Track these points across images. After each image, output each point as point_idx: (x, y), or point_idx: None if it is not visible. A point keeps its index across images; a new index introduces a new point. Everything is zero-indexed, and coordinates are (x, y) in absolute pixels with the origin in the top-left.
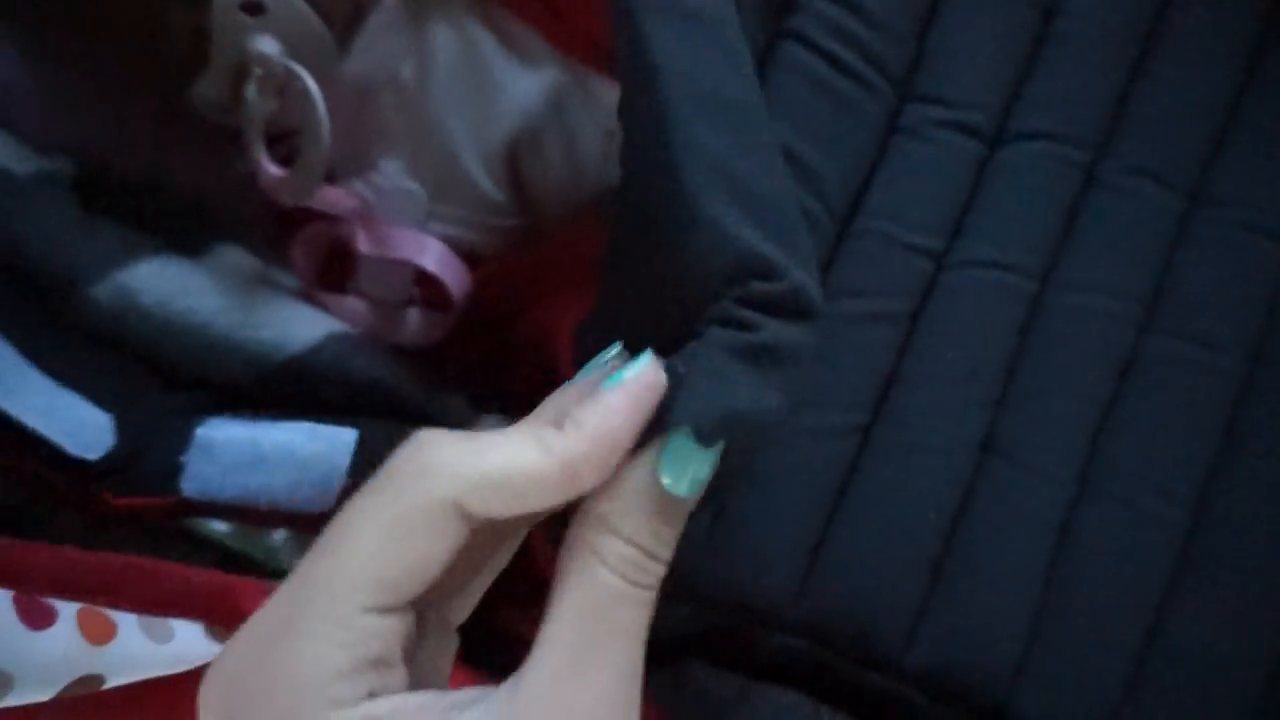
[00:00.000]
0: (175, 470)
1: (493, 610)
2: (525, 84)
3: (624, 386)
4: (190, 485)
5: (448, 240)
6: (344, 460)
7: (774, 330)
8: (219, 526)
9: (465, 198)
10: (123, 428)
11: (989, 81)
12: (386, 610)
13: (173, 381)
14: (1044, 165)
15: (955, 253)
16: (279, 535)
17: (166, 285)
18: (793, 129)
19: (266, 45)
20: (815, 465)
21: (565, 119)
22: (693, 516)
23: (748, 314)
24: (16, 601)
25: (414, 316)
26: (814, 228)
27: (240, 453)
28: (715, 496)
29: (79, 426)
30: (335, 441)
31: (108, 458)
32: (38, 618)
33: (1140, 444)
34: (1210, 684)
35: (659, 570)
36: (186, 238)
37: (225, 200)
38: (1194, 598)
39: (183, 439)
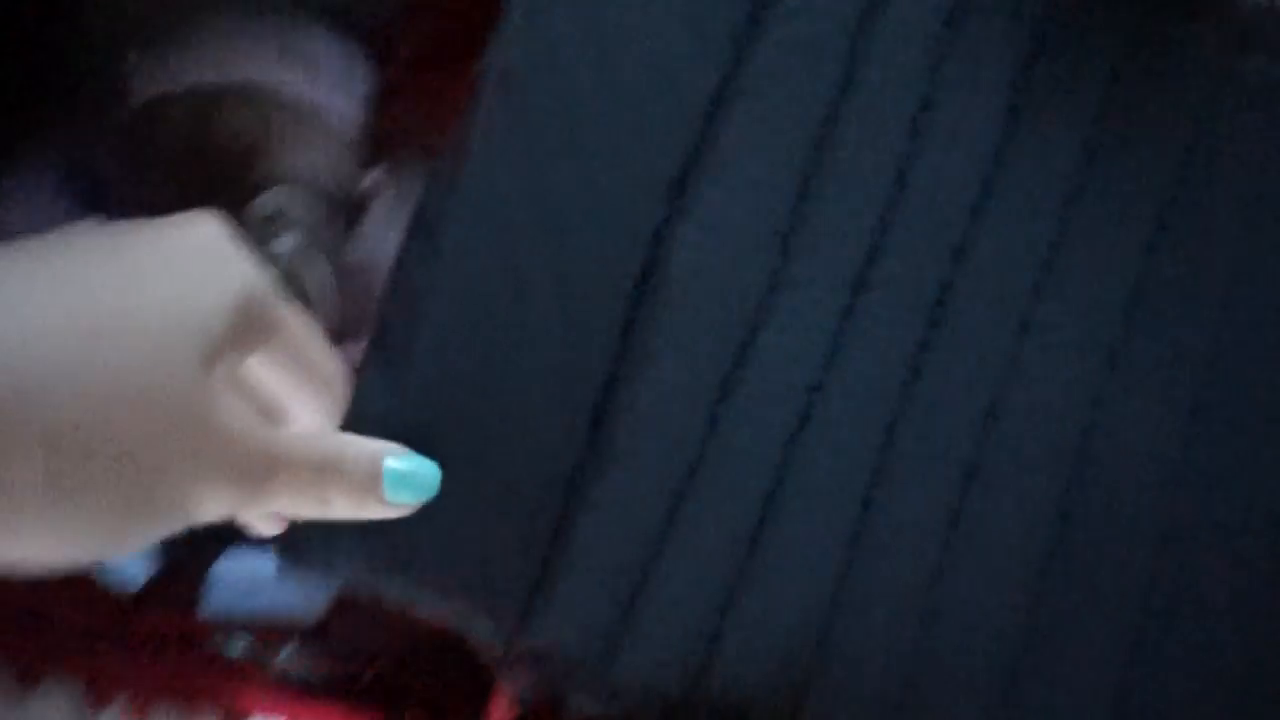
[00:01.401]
0: (196, 597)
1: None
2: None
3: None
4: (207, 609)
5: None
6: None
7: None
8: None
9: None
10: (157, 561)
11: (853, 240)
12: None
13: None
14: (898, 309)
15: (827, 385)
16: (285, 650)
17: None
18: (696, 289)
19: (283, 245)
20: (711, 567)
21: None
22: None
23: None
24: (85, 692)
25: None
26: (715, 371)
27: (244, 582)
28: None
29: (124, 561)
30: None
31: (146, 586)
32: (100, 701)
33: (985, 541)
34: None
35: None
36: None
37: None
38: (1044, 670)
39: (203, 570)
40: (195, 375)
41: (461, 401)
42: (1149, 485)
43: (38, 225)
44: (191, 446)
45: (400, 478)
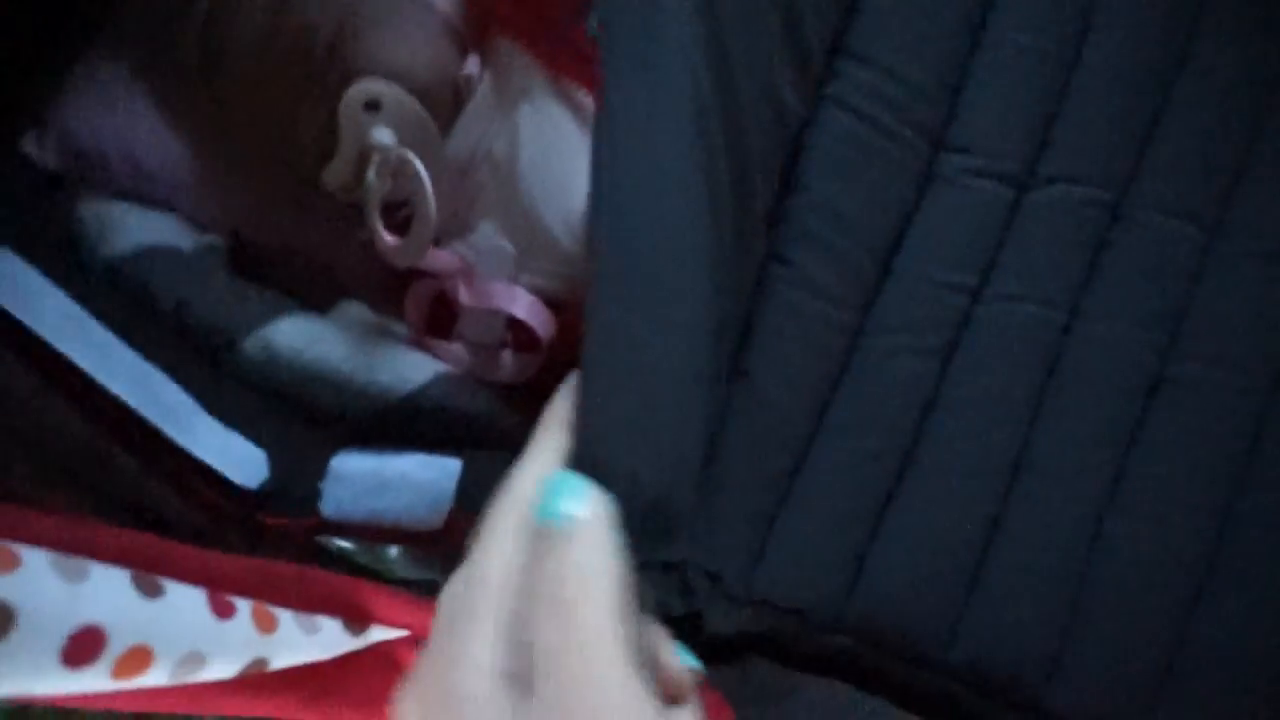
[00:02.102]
0: (315, 495)
1: None
2: None
3: None
4: (327, 507)
5: (535, 290)
6: (451, 486)
7: None
8: (344, 544)
9: (550, 253)
10: (274, 461)
11: (1016, 131)
12: None
13: (309, 419)
14: (1070, 206)
15: (988, 288)
16: (394, 550)
17: (301, 337)
18: (834, 184)
19: (383, 136)
20: (860, 483)
21: None
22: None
23: None
24: (209, 597)
25: (508, 358)
26: (855, 271)
27: (366, 480)
28: None
29: (242, 461)
30: (444, 470)
31: (264, 486)
32: (223, 610)
33: (1166, 461)
34: (1237, 684)
35: None
36: (316, 296)
37: (348, 263)
38: (1221, 603)
39: (321, 469)
40: None
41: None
42: None
43: (108, 117)
44: None
45: None
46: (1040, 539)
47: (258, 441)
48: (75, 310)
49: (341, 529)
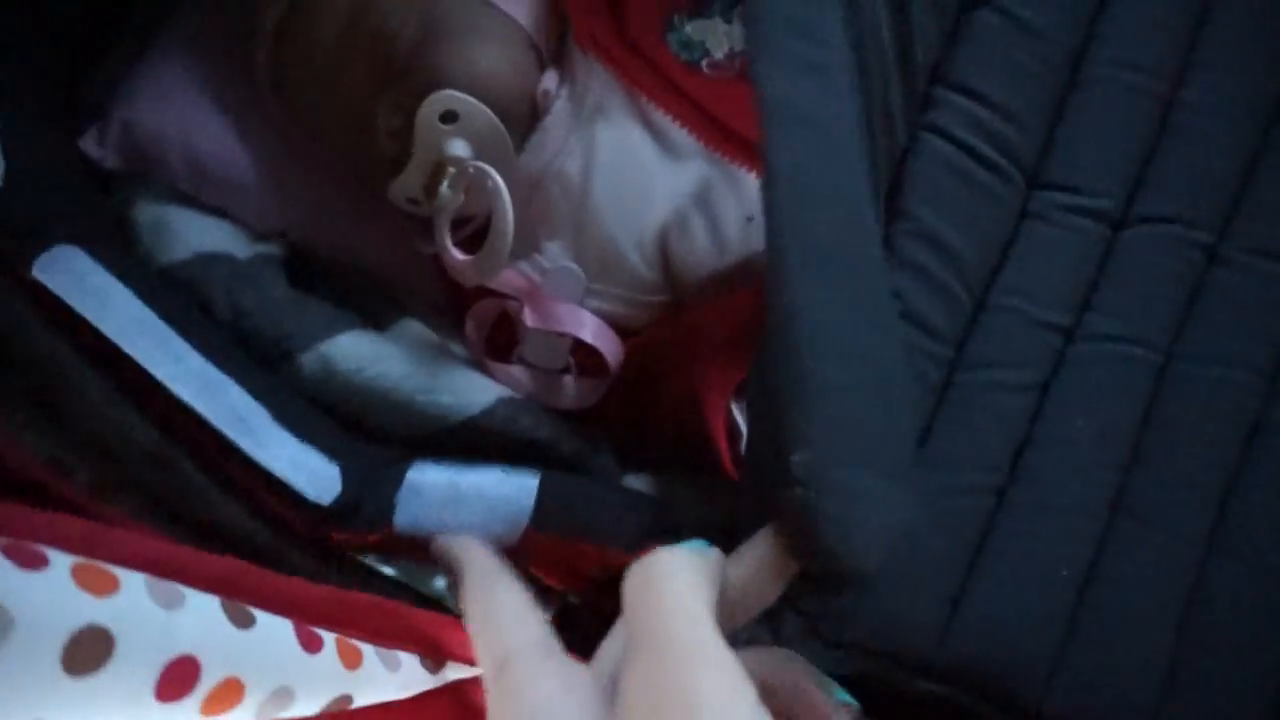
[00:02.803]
0: (390, 508)
1: None
2: (675, 176)
3: None
4: (402, 519)
5: (603, 315)
6: (529, 503)
7: None
8: (389, 570)
9: (620, 277)
10: (346, 476)
11: (1113, 169)
12: None
13: (366, 437)
14: (1167, 246)
15: (1084, 327)
16: (440, 581)
17: (361, 354)
18: (935, 213)
19: (459, 148)
20: (954, 522)
21: (710, 206)
22: None
23: None
24: (296, 629)
25: (570, 384)
26: (952, 304)
27: (442, 492)
28: None
29: (315, 475)
30: (521, 486)
31: (336, 501)
32: (311, 643)
33: (1268, 506)
34: None
35: None
36: (375, 312)
37: (407, 278)
38: None
39: (397, 480)
40: None
41: None
42: None
43: (171, 115)
44: None
45: None
46: (1139, 584)
47: (329, 456)
48: (146, 313)
49: (406, 547)
